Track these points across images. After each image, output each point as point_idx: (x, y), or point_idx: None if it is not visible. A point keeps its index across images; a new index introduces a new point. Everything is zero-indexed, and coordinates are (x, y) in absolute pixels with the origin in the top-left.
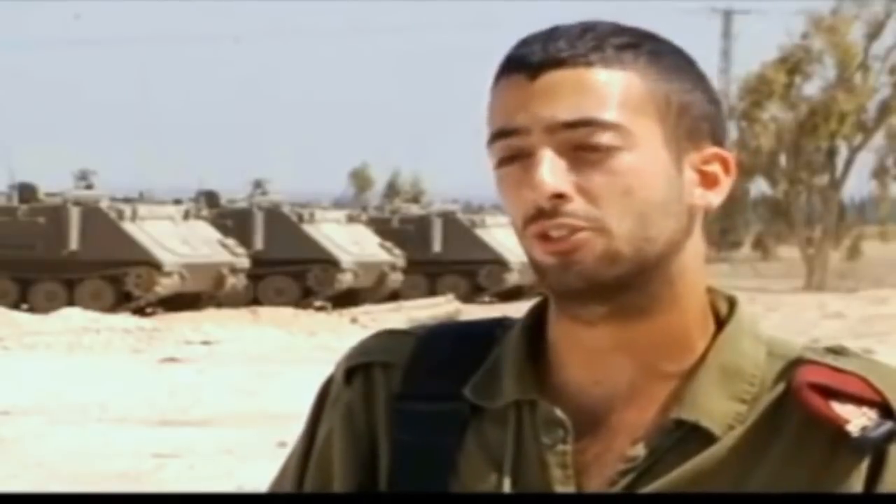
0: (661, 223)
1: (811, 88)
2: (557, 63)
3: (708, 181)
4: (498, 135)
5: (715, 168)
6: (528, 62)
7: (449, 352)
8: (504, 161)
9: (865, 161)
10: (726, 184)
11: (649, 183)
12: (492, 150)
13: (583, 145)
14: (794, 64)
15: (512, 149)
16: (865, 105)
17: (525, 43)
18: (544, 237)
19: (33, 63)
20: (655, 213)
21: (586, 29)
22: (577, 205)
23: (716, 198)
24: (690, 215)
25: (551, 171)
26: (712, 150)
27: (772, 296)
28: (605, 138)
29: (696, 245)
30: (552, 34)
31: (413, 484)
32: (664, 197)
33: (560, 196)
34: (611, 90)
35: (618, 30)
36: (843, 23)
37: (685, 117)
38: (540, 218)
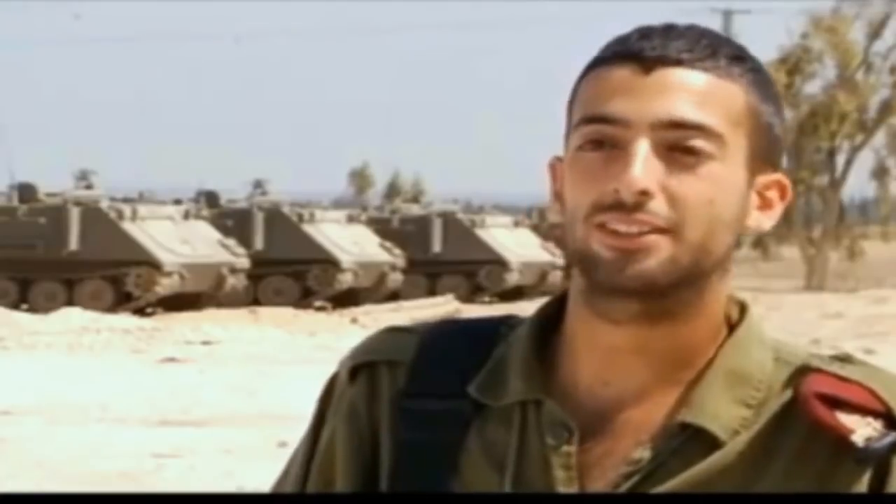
0: (723, 239)
1: (812, 88)
2: (675, 62)
3: (764, 205)
4: (594, 119)
5: (773, 194)
6: (645, 55)
7: (454, 349)
8: (588, 145)
9: (865, 161)
10: (779, 210)
11: (728, 197)
12: (579, 131)
13: (680, 147)
14: (794, 64)
15: (604, 135)
16: (866, 105)
17: (642, 36)
18: (610, 230)
19: (33, 63)
20: (722, 227)
21: (702, 33)
22: (658, 204)
23: (768, 222)
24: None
25: (644, 167)
26: (776, 175)
27: (772, 296)
28: (704, 144)
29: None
30: (670, 32)
31: (414, 482)
32: (734, 214)
33: (644, 193)
34: (719, 99)
35: (723, 38)
36: (844, 23)
37: (766, 139)
38: (615, 210)
